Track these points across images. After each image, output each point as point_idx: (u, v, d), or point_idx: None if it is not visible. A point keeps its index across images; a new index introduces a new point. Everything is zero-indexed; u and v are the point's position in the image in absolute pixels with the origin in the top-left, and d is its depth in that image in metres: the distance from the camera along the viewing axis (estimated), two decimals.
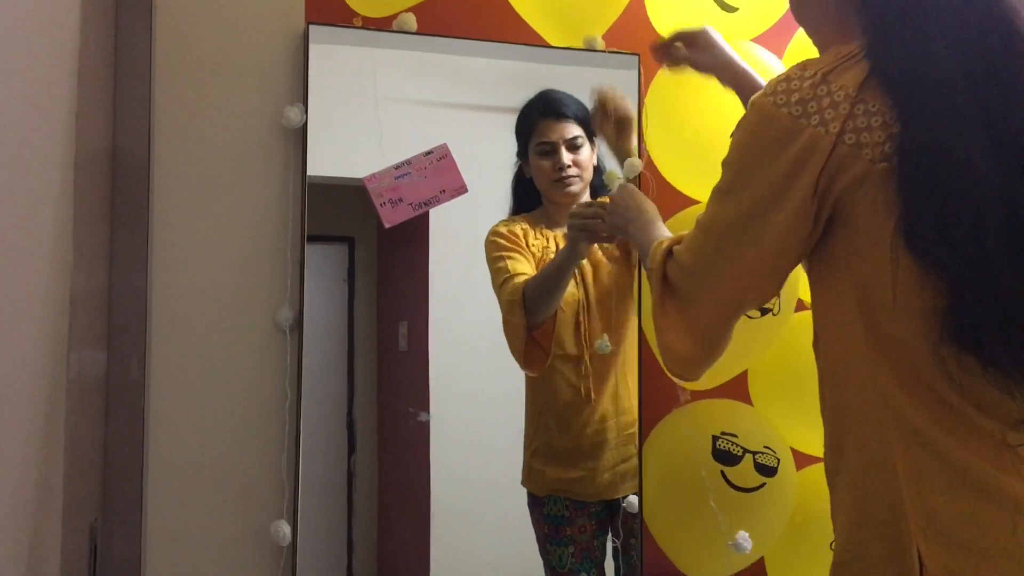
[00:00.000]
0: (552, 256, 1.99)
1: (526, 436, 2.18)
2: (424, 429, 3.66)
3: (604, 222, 1.51)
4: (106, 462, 1.39)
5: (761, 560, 1.61)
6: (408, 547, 3.96)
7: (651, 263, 1.13)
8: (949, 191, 0.88)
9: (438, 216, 3.32)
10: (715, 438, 1.51)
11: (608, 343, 1.76)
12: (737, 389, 1.62)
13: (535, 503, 2.09)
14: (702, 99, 1.59)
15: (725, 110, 1.37)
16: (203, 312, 1.46)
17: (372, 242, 4.58)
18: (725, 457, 1.49)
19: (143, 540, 1.40)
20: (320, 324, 4.81)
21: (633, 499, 1.88)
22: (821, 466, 1.64)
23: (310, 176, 1.64)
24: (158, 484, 1.42)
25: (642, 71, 1.75)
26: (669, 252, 1.09)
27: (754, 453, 1.50)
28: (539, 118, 2.04)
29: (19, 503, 1.00)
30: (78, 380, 1.23)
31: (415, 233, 3.93)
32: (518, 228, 2.09)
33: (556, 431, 2.06)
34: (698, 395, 1.62)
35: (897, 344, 0.92)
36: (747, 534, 1.52)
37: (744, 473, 1.48)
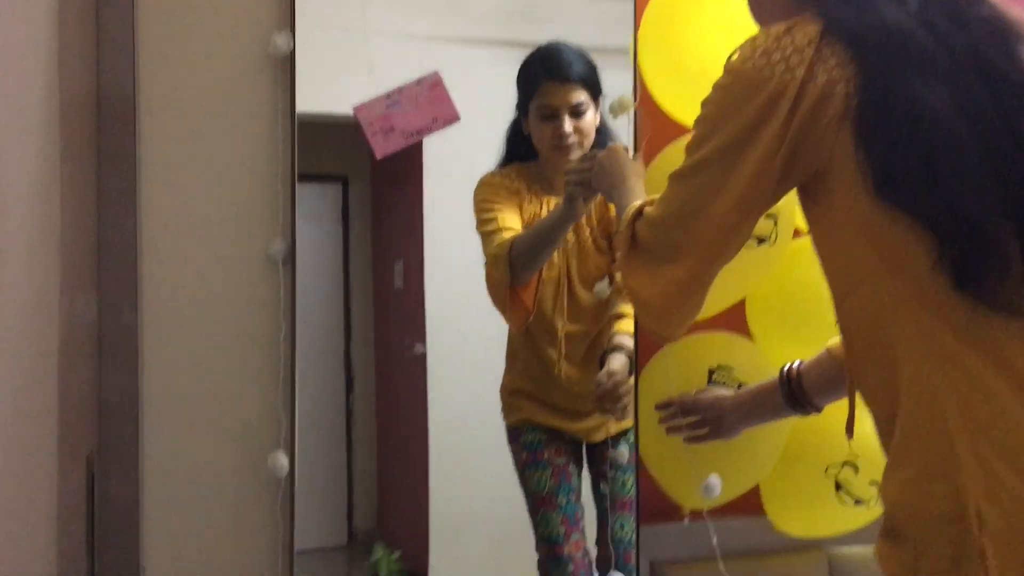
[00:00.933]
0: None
1: (505, 376, 2.18)
2: (421, 364, 3.67)
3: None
4: (101, 400, 1.39)
5: (756, 488, 1.62)
6: (407, 481, 4.01)
7: (621, 225, 1.15)
8: (912, 137, 0.87)
9: (432, 154, 3.27)
10: (711, 371, 1.51)
11: (607, 287, 1.73)
12: (734, 320, 1.61)
13: (513, 435, 2.10)
14: (699, 25, 1.55)
15: (723, 35, 1.35)
16: (195, 247, 1.45)
17: (366, 181, 4.54)
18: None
19: (140, 476, 1.41)
20: (315, 264, 4.80)
21: (623, 449, 1.90)
22: None
23: (301, 113, 1.61)
24: (153, 419, 1.42)
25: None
26: (639, 212, 1.11)
27: None
28: (544, 79, 1.93)
29: (15, 436, 1.00)
30: (69, 320, 1.22)
31: (409, 172, 3.88)
32: (513, 184, 2.02)
33: (532, 386, 2.08)
34: (694, 327, 1.60)
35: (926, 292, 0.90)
36: (718, 477, 1.51)
37: None
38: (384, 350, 4.56)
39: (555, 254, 1.93)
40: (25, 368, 1.03)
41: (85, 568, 1.30)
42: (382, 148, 1.67)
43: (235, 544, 1.45)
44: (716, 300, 1.59)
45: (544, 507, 1.95)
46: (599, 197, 1.74)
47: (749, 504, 1.64)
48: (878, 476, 1.53)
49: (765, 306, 1.60)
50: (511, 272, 1.83)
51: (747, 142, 0.96)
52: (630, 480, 1.90)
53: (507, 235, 1.87)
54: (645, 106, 1.67)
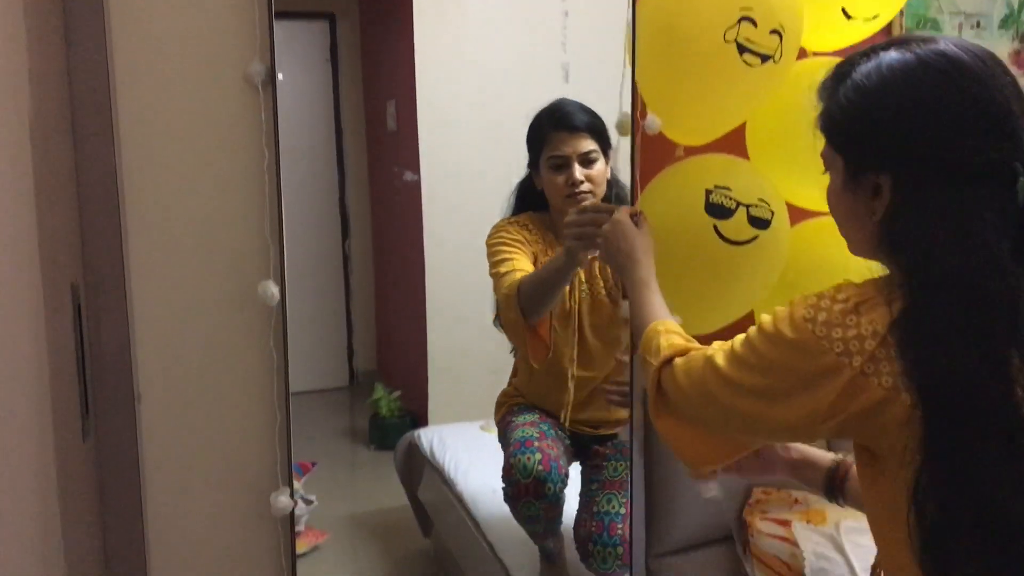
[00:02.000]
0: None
1: (507, 393, 2.21)
2: (416, 202, 3.64)
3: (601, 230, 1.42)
4: (83, 237, 1.35)
5: (750, 314, 1.62)
6: (406, 322, 4.04)
7: (646, 351, 1.18)
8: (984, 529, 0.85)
9: None
10: (708, 192, 1.47)
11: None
12: (734, 143, 1.56)
13: (504, 421, 2.12)
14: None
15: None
16: (170, 71, 1.37)
17: (354, 19, 4.35)
18: (718, 210, 1.46)
19: (129, 311, 1.39)
20: (305, 106, 4.67)
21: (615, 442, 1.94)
22: (816, 222, 1.62)
23: None
24: (139, 253, 1.39)
25: None
26: (669, 360, 1.12)
27: (748, 206, 1.46)
28: (552, 130, 1.97)
29: None
30: (45, 158, 1.16)
31: (398, 9, 3.72)
32: (528, 233, 2.04)
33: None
34: (693, 150, 1.56)
35: None
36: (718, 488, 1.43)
37: (737, 226, 1.46)
38: (379, 190, 4.52)
39: (569, 304, 1.99)
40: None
41: (78, 396, 1.31)
42: None
43: (229, 375, 1.45)
44: (718, 123, 1.54)
45: (522, 427, 1.97)
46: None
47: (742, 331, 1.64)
48: None
49: (765, 129, 1.55)
50: (522, 312, 1.84)
51: (797, 394, 0.95)
52: (622, 466, 1.96)
53: (518, 275, 1.88)
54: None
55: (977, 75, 0.89)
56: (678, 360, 1.11)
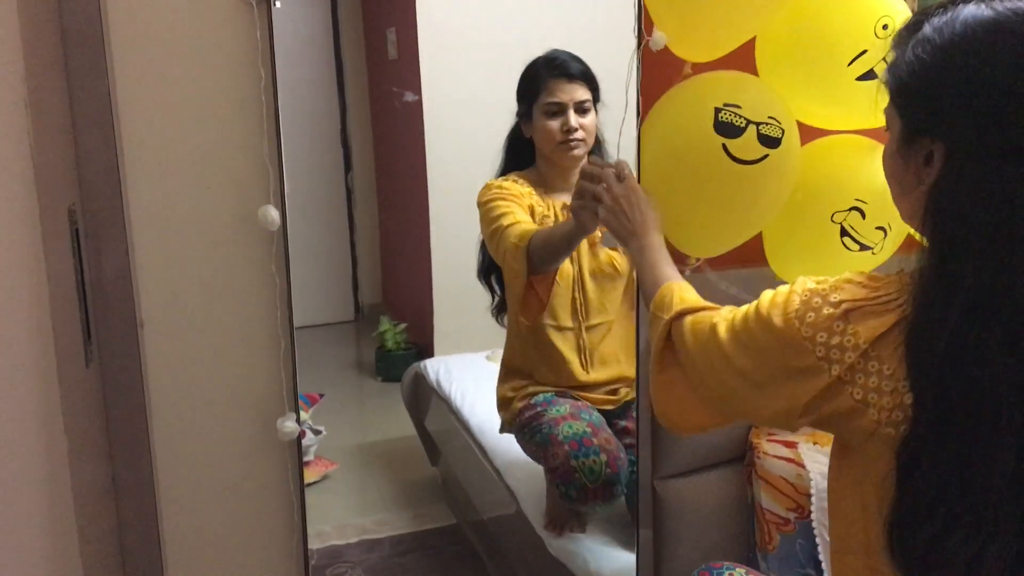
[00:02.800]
0: (551, 225, 1.97)
1: (511, 387, 2.15)
2: (418, 132, 3.58)
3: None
4: (78, 154, 1.32)
5: (759, 236, 1.60)
6: (410, 255, 4.03)
7: (658, 307, 1.19)
8: (952, 525, 0.81)
9: None
10: (717, 110, 1.43)
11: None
12: (743, 59, 1.51)
13: (519, 415, 2.07)
14: None
15: None
16: None
17: None
18: (727, 129, 1.42)
19: (128, 233, 1.37)
20: (305, 37, 4.59)
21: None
22: (827, 141, 1.59)
23: None
24: (136, 175, 1.37)
25: None
26: (681, 315, 1.14)
27: (758, 124, 1.42)
28: (549, 77, 1.98)
29: None
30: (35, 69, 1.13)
31: None
32: (519, 188, 2.04)
33: (537, 372, 2.10)
34: (701, 67, 1.52)
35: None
36: None
37: (746, 145, 1.42)
38: (381, 121, 4.45)
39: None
40: None
41: (80, 322, 1.30)
42: None
43: (232, 300, 1.44)
44: (726, 38, 1.50)
45: (565, 420, 1.93)
46: None
47: (752, 254, 1.62)
48: (885, 221, 1.52)
49: (776, 44, 1.50)
50: (528, 264, 1.84)
51: (776, 384, 0.97)
52: None
53: (525, 227, 1.89)
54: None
55: None
56: (689, 317, 1.13)
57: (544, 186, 2.08)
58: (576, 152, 2.01)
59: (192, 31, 1.36)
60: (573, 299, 2.05)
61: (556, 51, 2.03)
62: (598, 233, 2.03)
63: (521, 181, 2.07)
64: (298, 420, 1.48)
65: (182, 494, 1.50)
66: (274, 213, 1.39)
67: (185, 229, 1.40)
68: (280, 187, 1.41)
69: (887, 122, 0.98)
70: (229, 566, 1.55)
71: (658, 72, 1.52)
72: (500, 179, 2.09)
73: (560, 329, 2.06)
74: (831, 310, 0.91)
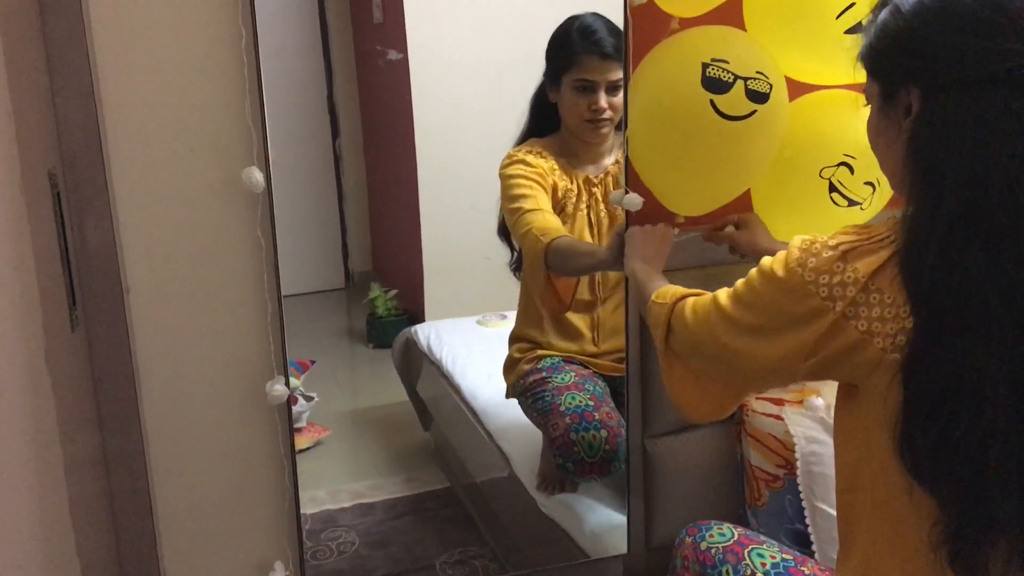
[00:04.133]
0: (573, 200, 1.96)
1: (517, 349, 2.14)
2: (406, 94, 3.55)
3: None
4: (57, 117, 1.30)
5: (747, 193, 1.59)
6: (400, 220, 4.01)
7: (659, 297, 1.27)
8: (954, 422, 0.86)
9: None
10: (705, 65, 1.42)
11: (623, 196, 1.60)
12: (730, 13, 1.50)
13: (526, 378, 2.06)
14: None
15: None
16: None
17: None
18: (715, 84, 1.41)
19: (111, 197, 1.36)
20: (287, 1, 4.48)
21: None
22: (815, 96, 1.58)
23: None
24: (117, 137, 1.35)
25: None
26: (682, 298, 1.22)
27: (746, 79, 1.41)
28: (584, 52, 1.88)
29: None
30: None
31: None
32: (545, 163, 1.97)
33: (546, 338, 2.09)
34: (688, 22, 1.50)
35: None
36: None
37: (734, 100, 1.41)
38: (367, 85, 4.41)
39: (572, 229, 1.97)
40: None
41: (64, 287, 1.29)
42: None
43: (218, 264, 1.43)
44: None
45: (568, 390, 1.91)
46: (612, 170, 1.98)
47: (740, 211, 1.62)
48: (874, 176, 1.51)
49: None
50: (547, 268, 1.82)
51: (783, 332, 1.01)
52: None
53: (540, 218, 1.86)
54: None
55: None
56: (690, 300, 1.20)
57: (568, 156, 2.01)
58: (603, 130, 1.95)
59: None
60: (592, 275, 2.04)
61: (592, 19, 1.92)
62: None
63: (546, 154, 1.99)
64: (287, 383, 1.48)
65: (173, 461, 1.50)
66: (258, 175, 1.38)
67: (169, 193, 1.39)
68: (264, 149, 1.39)
69: (867, 98, 1.03)
70: (222, 532, 1.56)
71: (647, 27, 1.51)
72: (525, 150, 2.00)
73: (577, 305, 2.05)
74: (830, 252, 0.97)
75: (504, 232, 2.19)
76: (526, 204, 1.89)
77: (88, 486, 1.37)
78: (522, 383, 2.05)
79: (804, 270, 0.98)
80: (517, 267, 2.21)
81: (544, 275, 1.86)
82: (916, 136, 0.92)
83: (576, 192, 1.99)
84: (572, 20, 1.94)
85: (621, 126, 1.98)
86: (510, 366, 2.14)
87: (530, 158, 1.98)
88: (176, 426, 1.48)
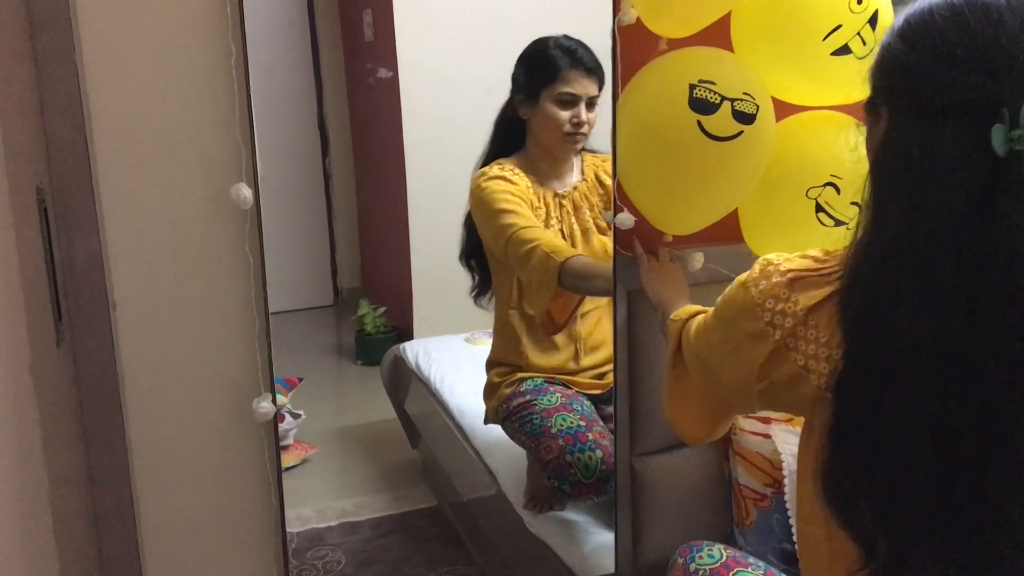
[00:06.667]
0: (543, 217, 1.98)
1: (496, 374, 2.15)
2: (395, 112, 3.56)
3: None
4: (46, 132, 1.30)
5: (735, 212, 1.60)
6: (389, 239, 4.01)
7: (673, 323, 1.28)
8: (872, 453, 0.85)
9: None
10: (692, 86, 1.43)
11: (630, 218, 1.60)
12: (718, 35, 1.51)
13: (509, 402, 2.05)
14: None
15: None
16: None
17: None
18: (702, 106, 1.42)
19: (99, 213, 1.35)
20: (279, 20, 4.53)
21: None
22: (801, 117, 1.59)
23: None
24: (106, 153, 1.35)
25: None
26: (692, 316, 1.24)
27: (732, 100, 1.42)
28: (568, 67, 1.93)
29: None
30: None
31: None
32: (521, 181, 1.99)
33: (526, 361, 2.09)
34: (676, 43, 1.52)
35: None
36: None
37: (721, 121, 1.42)
38: (358, 104, 4.41)
39: (560, 235, 1.99)
40: None
41: (50, 302, 1.28)
42: None
43: (206, 281, 1.42)
44: (701, 14, 1.49)
45: (558, 412, 1.92)
46: (580, 187, 2.04)
47: (728, 231, 1.63)
48: (859, 197, 1.52)
49: (751, 19, 1.50)
50: (560, 285, 1.82)
51: (739, 349, 1.03)
52: None
53: (544, 235, 1.87)
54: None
55: (989, 11, 0.81)
56: (699, 316, 1.22)
57: (536, 174, 2.03)
58: (577, 146, 1.99)
59: (160, 8, 1.34)
60: None
61: (569, 38, 1.98)
62: (590, 220, 2.03)
63: (518, 172, 2.01)
64: (274, 401, 1.48)
65: (158, 478, 1.49)
66: (247, 191, 1.38)
67: (157, 209, 1.38)
68: (252, 165, 1.40)
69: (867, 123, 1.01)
70: (207, 550, 1.54)
71: (635, 49, 1.52)
72: (497, 168, 2.01)
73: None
74: (779, 278, 0.98)
75: (470, 257, 2.19)
76: (520, 220, 1.89)
77: (72, 503, 1.35)
78: (505, 407, 2.05)
79: (756, 290, 1.00)
80: (479, 293, 2.22)
81: (550, 294, 1.85)
82: (875, 153, 0.91)
83: (545, 209, 2.01)
84: (545, 40, 1.99)
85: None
86: (491, 391, 2.13)
87: (503, 174, 1.99)
88: (162, 443, 1.47)
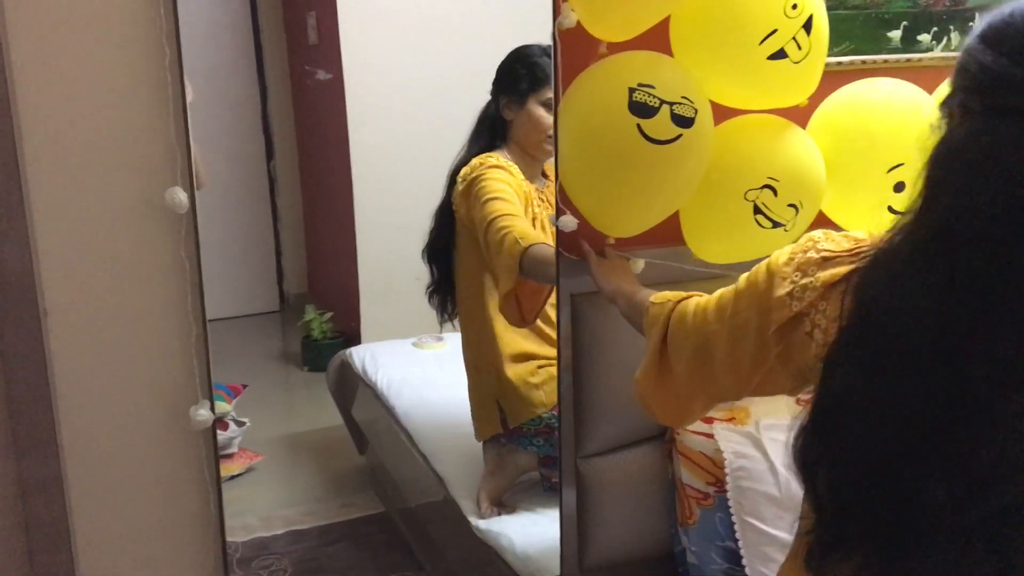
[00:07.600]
0: (532, 208, 2.02)
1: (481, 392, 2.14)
2: (340, 115, 3.53)
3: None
4: None
5: (676, 215, 1.61)
6: (335, 243, 3.98)
7: (658, 297, 1.29)
8: (840, 441, 0.87)
9: None
10: (631, 90, 1.44)
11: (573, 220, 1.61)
12: (658, 39, 1.53)
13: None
14: None
15: None
16: None
17: None
18: (641, 109, 1.43)
19: (29, 219, 1.32)
20: (221, 20, 4.46)
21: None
22: (739, 120, 1.61)
23: None
24: (35, 158, 1.32)
25: None
26: (685, 299, 1.24)
27: (671, 104, 1.44)
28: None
29: None
30: None
31: None
32: (517, 175, 2.04)
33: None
34: (616, 47, 1.53)
35: None
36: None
37: (660, 125, 1.43)
38: (303, 107, 4.38)
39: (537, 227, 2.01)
40: None
41: None
42: None
43: (140, 287, 1.40)
44: (640, 17, 1.50)
45: None
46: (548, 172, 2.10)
47: (669, 234, 1.64)
48: (796, 198, 1.55)
49: (690, 24, 1.51)
50: (521, 272, 1.85)
51: (747, 335, 1.07)
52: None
53: (519, 223, 1.90)
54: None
55: None
56: (693, 299, 1.22)
57: (524, 172, 2.10)
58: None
59: (91, 10, 1.31)
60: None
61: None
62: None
63: (513, 166, 2.06)
64: (212, 408, 1.45)
65: (93, 489, 1.45)
66: (182, 195, 1.35)
67: (89, 214, 1.36)
68: (187, 168, 1.37)
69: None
70: (144, 562, 1.51)
71: (576, 52, 1.53)
72: (494, 158, 2.06)
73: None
74: (815, 255, 1.00)
75: (433, 253, 2.19)
76: (505, 208, 1.93)
77: (4, 516, 1.32)
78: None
79: (790, 261, 1.02)
80: (435, 292, 2.22)
81: (513, 279, 1.87)
82: (935, 153, 0.87)
83: (526, 204, 2.05)
84: (531, 47, 2.06)
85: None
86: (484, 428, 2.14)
87: (501, 163, 2.05)
88: (96, 453, 1.44)
